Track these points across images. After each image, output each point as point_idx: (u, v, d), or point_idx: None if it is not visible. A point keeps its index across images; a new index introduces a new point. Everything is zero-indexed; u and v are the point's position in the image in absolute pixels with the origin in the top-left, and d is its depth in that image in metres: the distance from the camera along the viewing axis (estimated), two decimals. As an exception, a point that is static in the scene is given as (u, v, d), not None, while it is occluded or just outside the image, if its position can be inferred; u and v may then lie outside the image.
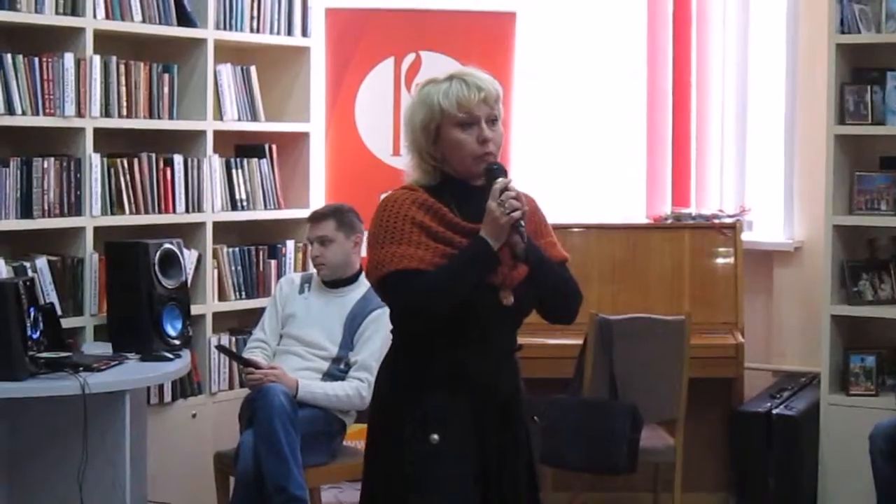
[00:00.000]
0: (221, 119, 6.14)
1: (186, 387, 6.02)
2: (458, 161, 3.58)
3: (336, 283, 5.65)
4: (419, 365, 3.57)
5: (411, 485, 3.52)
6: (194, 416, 6.05)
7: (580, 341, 5.62)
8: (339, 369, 5.53)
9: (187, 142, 6.03)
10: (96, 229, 5.61)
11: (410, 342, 3.60)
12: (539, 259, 3.58)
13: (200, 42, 6.03)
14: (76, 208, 5.54)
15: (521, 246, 3.53)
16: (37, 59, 5.37)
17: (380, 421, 3.66)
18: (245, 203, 6.27)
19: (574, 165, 7.08)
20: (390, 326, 3.69)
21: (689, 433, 5.69)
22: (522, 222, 3.50)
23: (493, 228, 3.48)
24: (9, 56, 5.28)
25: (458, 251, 3.51)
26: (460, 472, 3.54)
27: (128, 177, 5.74)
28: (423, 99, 3.59)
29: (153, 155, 5.85)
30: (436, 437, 3.51)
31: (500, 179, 3.52)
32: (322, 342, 5.56)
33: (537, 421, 3.80)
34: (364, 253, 4.78)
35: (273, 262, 6.38)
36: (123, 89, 5.71)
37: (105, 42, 5.64)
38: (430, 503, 3.53)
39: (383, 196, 3.66)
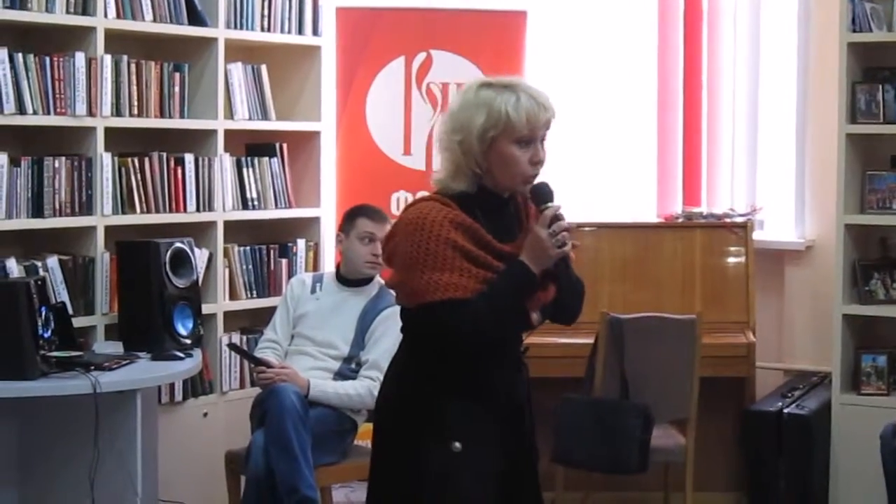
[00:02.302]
0: (232, 118, 6.15)
1: (197, 386, 6.03)
2: (505, 176, 3.48)
3: (353, 281, 5.65)
4: (437, 376, 3.53)
5: (433, 492, 3.49)
6: (205, 415, 6.05)
7: (591, 340, 5.62)
8: (350, 369, 5.53)
9: (198, 141, 6.03)
10: (107, 228, 5.61)
11: (429, 356, 3.55)
12: (566, 277, 3.54)
13: (211, 41, 6.03)
14: (87, 207, 5.54)
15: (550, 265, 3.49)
16: (48, 59, 5.37)
17: (393, 427, 3.61)
18: (256, 202, 6.27)
19: (585, 165, 7.07)
20: (400, 325, 3.67)
21: (701, 432, 5.68)
22: (571, 255, 3.44)
23: (539, 257, 3.41)
24: (20, 56, 5.28)
25: (497, 275, 3.43)
26: (483, 478, 3.53)
27: (139, 176, 5.74)
28: (486, 103, 3.45)
29: (164, 154, 5.86)
30: (458, 444, 3.49)
31: (550, 205, 3.44)
32: (335, 341, 5.56)
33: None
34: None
35: (284, 261, 6.38)
36: (134, 88, 5.72)
37: (116, 41, 5.65)
38: None
39: (411, 203, 3.58)
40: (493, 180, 3.50)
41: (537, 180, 3.53)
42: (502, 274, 3.42)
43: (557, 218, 3.42)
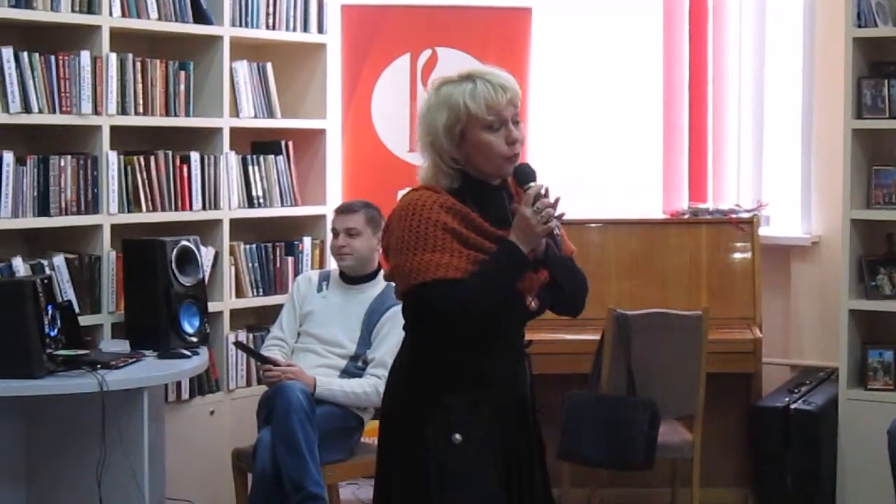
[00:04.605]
0: (238, 116, 6.15)
1: (204, 384, 6.03)
2: (485, 162, 3.52)
3: (357, 278, 5.65)
4: (438, 366, 3.55)
5: (435, 485, 3.50)
6: (212, 413, 6.06)
7: (598, 337, 5.61)
8: (356, 366, 5.54)
9: (204, 139, 6.04)
10: (113, 227, 5.61)
11: (430, 345, 3.57)
12: (556, 257, 3.56)
13: (216, 39, 6.03)
14: (93, 206, 5.55)
15: (542, 248, 3.51)
16: (53, 58, 5.38)
17: (396, 421, 3.63)
18: (262, 200, 6.27)
19: (591, 161, 7.07)
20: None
21: (707, 428, 5.68)
22: (557, 230, 3.46)
23: (527, 235, 3.44)
24: (25, 55, 5.29)
25: (489, 257, 3.46)
26: (485, 471, 3.53)
27: (144, 174, 5.74)
28: (445, 100, 3.50)
29: (170, 152, 5.86)
30: (458, 437, 3.49)
31: (533, 184, 3.48)
32: (341, 339, 5.56)
33: (540, 416, 3.78)
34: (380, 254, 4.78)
35: (290, 259, 6.38)
36: (140, 87, 5.72)
37: (121, 40, 5.65)
38: (455, 503, 3.52)
39: (403, 195, 3.60)
40: (477, 169, 3.54)
41: (519, 161, 3.57)
42: (492, 254, 3.46)
43: (540, 195, 3.45)
